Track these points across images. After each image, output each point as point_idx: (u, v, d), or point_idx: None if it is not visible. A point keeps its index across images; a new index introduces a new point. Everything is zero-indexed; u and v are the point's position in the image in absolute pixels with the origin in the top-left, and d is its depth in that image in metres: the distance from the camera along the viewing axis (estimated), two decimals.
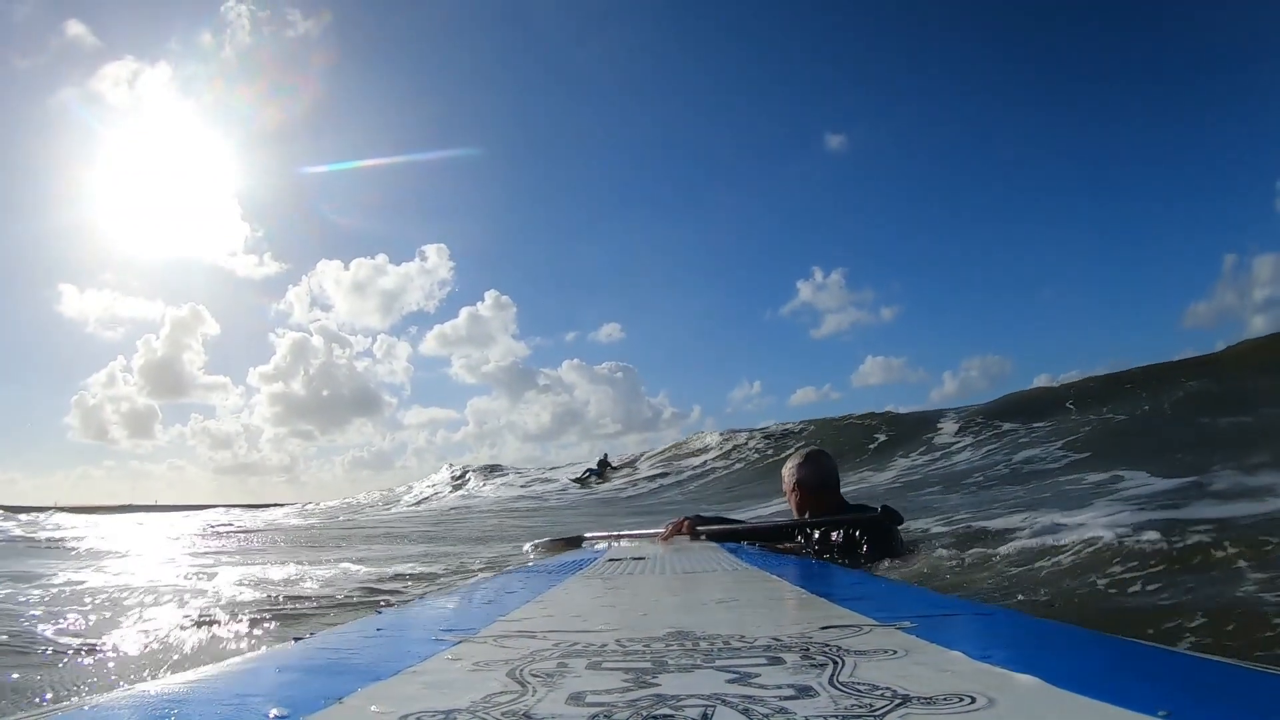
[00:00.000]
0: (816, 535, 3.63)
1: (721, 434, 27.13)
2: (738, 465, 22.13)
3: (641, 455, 29.20)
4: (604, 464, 27.30)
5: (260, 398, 55.60)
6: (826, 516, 3.66)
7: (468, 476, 31.71)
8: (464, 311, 54.21)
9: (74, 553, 7.34)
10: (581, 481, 25.95)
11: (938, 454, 13.93)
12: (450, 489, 30.02)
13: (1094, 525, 4.12)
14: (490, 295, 54.26)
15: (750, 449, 23.72)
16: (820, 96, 60.25)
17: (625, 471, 26.52)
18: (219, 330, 57.12)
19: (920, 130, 57.48)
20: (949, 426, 15.80)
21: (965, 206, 57.38)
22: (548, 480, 28.21)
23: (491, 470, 32.72)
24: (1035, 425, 14.49)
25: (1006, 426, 14.71)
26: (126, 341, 65.35)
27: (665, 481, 22.49)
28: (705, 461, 24.07)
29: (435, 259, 52.93)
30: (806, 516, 3.70)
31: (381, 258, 53.51)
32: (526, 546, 5.32)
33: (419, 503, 26.06)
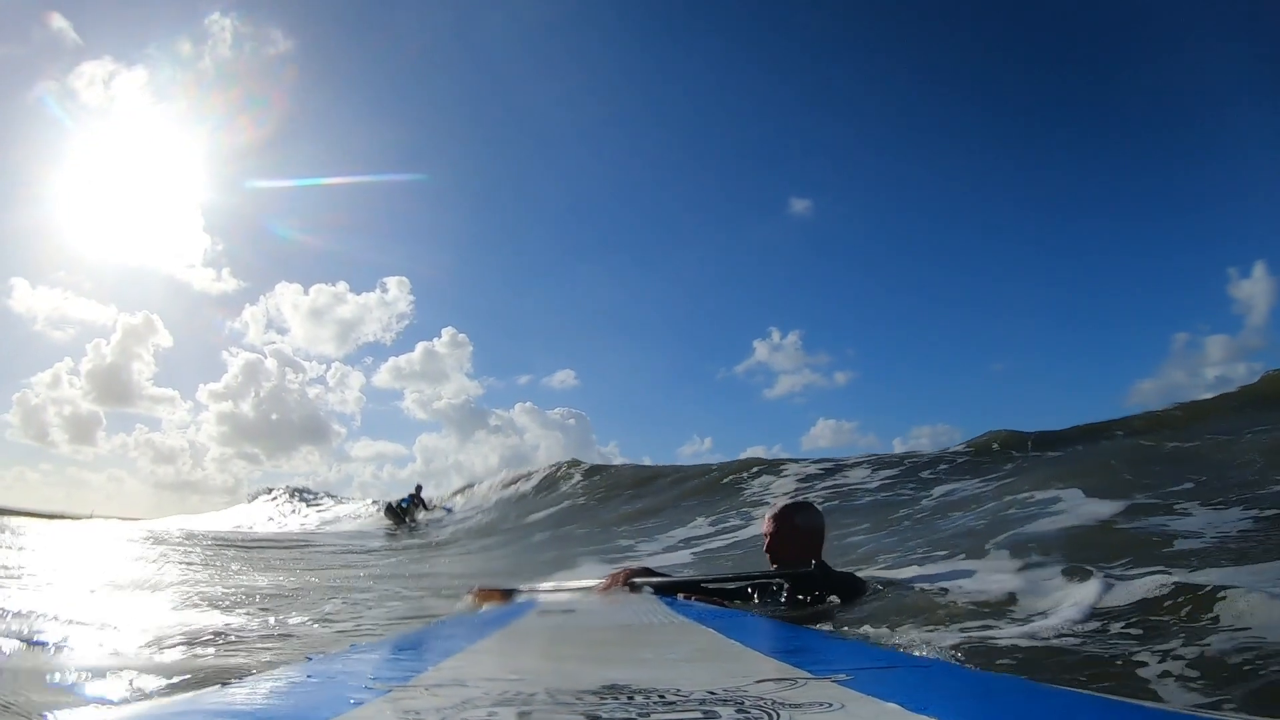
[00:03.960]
0: (758, 590, 3.58)
1: (551, 467, 24.20)
2: (562, 504, 19.88)
3: (461, 490, 25.69)
4: (414, 499, 22.70)
5: (208, 415, 54.16)
6: (759, 572, 3.63)
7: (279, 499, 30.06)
8: (420, 346, 53.78)
9: None
10: (391, 516, 22.22)
11: (845, 488, 13.54)
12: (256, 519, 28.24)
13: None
14: (447, 332, 53.87)
15: (582, 489, 21.31)
16: (788, 160, 61.64)
17: (438, 513, 22.42)
18: (171, 342, 55.80)
19: (885, 200, 59.07)
20: (859, 471, 15.26)
21: (924, 278, 58.94)
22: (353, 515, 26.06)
23: (298, 494, 31.21)
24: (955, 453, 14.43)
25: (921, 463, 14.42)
26: (75, 344, 63.27)
27: (467, 526, 19.77)
28: (529, 498, 21.69)
29: (396, 291, 52.62)
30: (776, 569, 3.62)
31: (342, 285, 53.07)
32: (465, 595, 5.18)
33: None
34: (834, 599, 3.37)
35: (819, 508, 3.95)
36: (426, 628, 2.96)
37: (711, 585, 3.73)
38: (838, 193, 59.10)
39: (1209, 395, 15.80)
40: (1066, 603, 2.87)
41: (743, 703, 1.03)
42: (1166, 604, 2.70)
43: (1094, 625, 2.60)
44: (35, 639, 3.26)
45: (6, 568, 7.22)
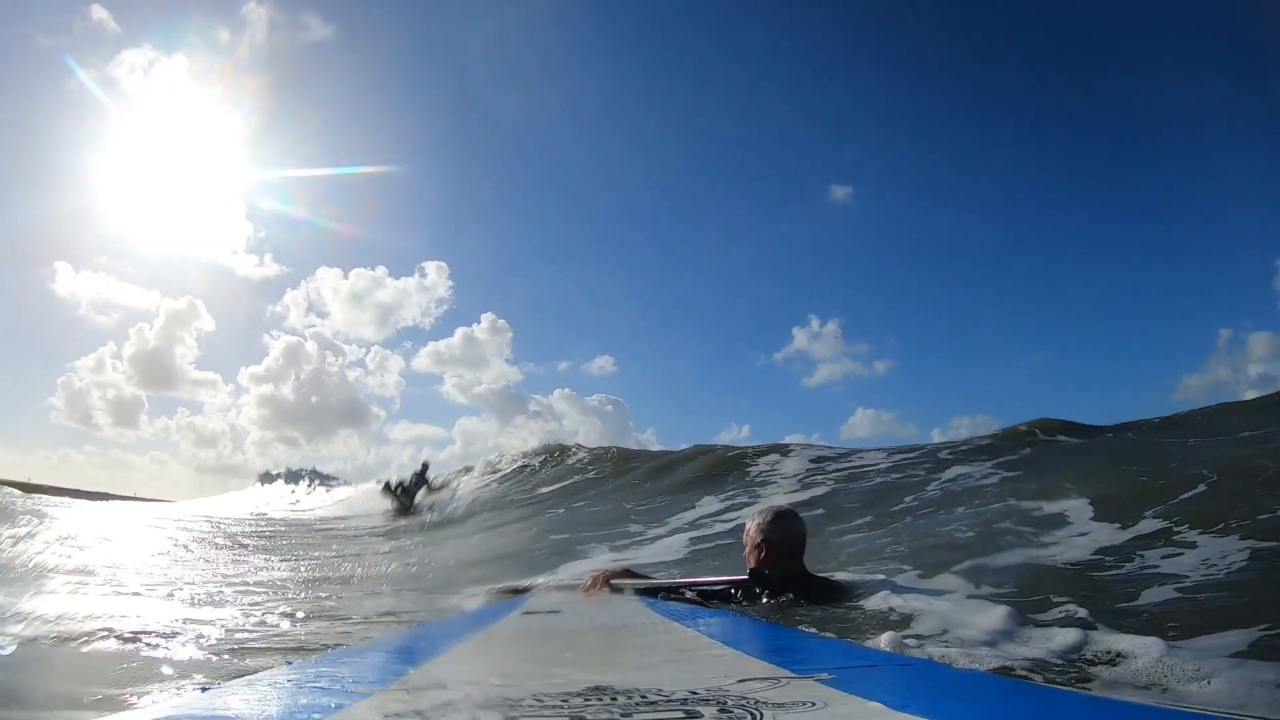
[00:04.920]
0: (740, 592, 3.58)
1: (543, 448, 23.56)
2: (569, 480, 19.64)
3: (463, 471, 24.35)
4: (420, 477, 20.82)
5: (249, 398, 54.12)
6: (704, 580, 3.67)
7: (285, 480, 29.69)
8: (459, 331, 53.90)
9: None
10: (389, 495, 20.45)
11: (853, 474, 13.35)
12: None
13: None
14: (487, 318, 53.99)
15: (583, 467, 20.90)
16: (828, 146, 60.98)
17: (444, 494, 20.66)
18: (214, 326, 56.44)
19: (927, 189, 58.39)
20: (872, 456, 14.97)
21: (965, 268, 58.22)
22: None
23: (299, 475, 30.46)
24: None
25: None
26: (118, 328, 64.14)
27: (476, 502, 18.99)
28: (533, 476, 21.28)
29: (435, 276, 52.68)
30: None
31: (381, 270, 53.11)
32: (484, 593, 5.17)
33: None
34: (809, 604, 3.37)
35: (798, 513, 3.93)
36: (409, 629, 2.94)
37: (692, 586, 3.73)
38: (879, 180, 58.40)
39: (1252, 394, 15.58)
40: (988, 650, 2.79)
41: (725, 702, 1.02)
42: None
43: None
44: (23, 636, 3.24)
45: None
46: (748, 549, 3.71)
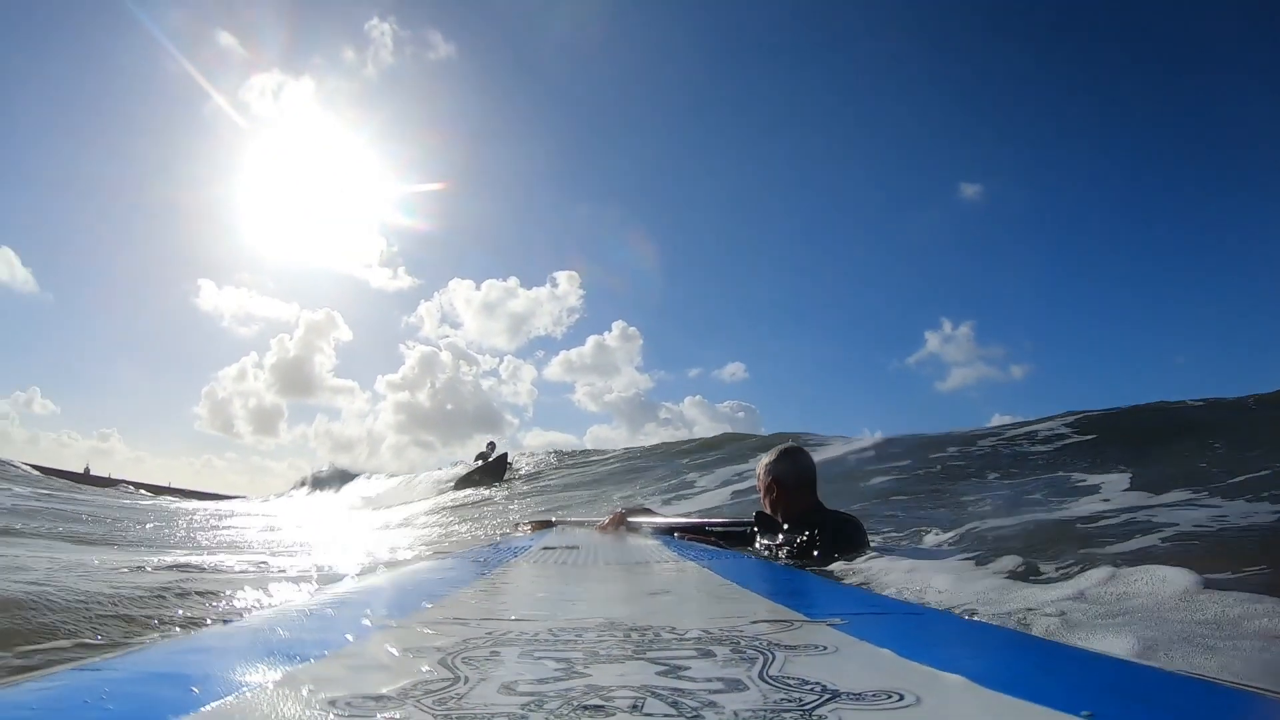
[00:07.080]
0: (755, 532, 3.61)
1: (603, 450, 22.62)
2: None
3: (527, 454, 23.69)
4: (484, 458, 19.88)
5: (386, 405, 55.30)
6: (718, 521, 3.70)
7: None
8: (590, 340, 54.65)
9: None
10: (489, 475, 18.84)
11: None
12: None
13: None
14: (618, 326, 54.59)
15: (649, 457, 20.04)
16: (957, 144, 59.10)
17: (510, 473, 19.69)
18: (351, 336, 58.50)
19: (1058, 186, 55.98)
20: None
21: (1102, 268, 56.06)
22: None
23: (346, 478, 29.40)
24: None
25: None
26: (259, 339, 67.89)
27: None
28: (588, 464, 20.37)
29: (566, 286, 53.34)
30: (780, 516, 3.60)
31: (513, 280, 53.96)
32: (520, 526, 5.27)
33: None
34: (823, 541, 3.38)
35: (805, 449, 3.92)
36: (428, 563, 2.98)
37: (707, 526, 3.77)
38: (1009, 177, 56.56)
39: None
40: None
41: (738, 642, 1.04)
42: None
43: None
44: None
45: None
46: (761, 492, 3.73)
